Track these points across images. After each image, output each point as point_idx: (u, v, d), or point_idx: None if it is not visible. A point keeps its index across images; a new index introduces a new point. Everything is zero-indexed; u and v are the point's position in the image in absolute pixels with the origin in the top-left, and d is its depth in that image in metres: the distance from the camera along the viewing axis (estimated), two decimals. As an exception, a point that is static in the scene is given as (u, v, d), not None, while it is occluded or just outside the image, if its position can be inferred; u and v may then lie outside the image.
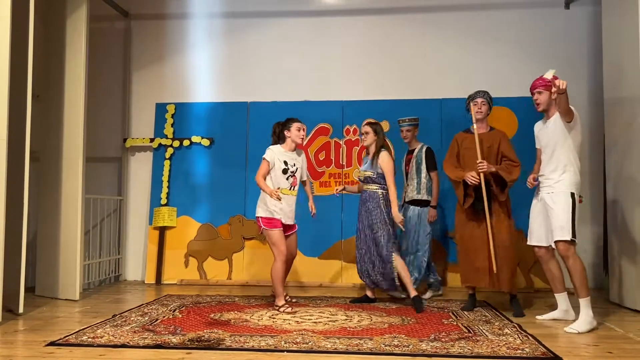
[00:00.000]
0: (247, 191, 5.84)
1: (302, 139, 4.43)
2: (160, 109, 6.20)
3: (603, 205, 5.37)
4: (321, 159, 5.93)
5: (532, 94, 3.99)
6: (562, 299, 4.06)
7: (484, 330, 3.56)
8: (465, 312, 4.24)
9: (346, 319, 3.90)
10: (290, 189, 4.34)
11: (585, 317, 3.66)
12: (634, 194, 4.42)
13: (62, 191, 4.85)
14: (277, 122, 4.55)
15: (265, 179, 4.30)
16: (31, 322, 3.86)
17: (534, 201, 4.03)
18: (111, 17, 6.34)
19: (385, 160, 4.49)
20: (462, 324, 3.78)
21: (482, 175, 4.11)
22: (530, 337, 3.36)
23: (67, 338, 3.33)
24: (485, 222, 4.15)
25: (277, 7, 6.24)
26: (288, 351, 3.05)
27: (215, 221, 5.90)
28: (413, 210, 4.96)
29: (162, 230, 5.93)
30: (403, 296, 4.59)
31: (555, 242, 3.77)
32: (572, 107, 3.75)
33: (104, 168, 6.26)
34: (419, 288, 4.75)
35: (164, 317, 3.98)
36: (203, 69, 6.29)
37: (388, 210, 4.49)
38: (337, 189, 4.81)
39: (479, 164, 4.10)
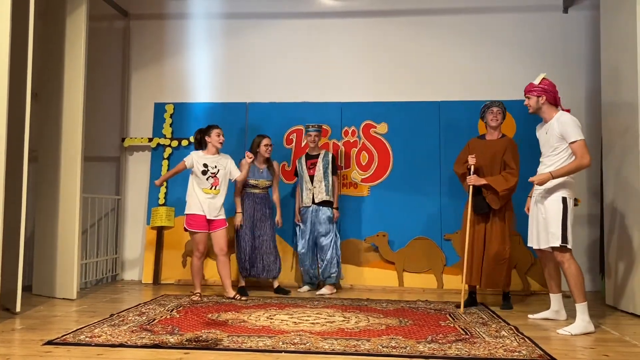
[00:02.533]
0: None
1: (221, 143, 4.91)
2: (159, 108, 6.20)
3: (600, 208, 5.40)
4: (319, 160, 5.93)
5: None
6: (555, 299, 4.13)
7: (481, 332, 3.57)
8: (461, 309, 4.38)
9: (344, 320, 3.90)
10: (211, 188, 4.80)
11: (580, 322, 3.68)
12: (630, 198, 4.45)
13: (60, 190, 4.85)
14: (199, 128, 5.03)
15: (172, 174, 5.06)
16: (28, 321, 3.86)
17: (531, 204, 4.09)
18: (110, 17, 6.34)
19: (278, 169, 5.51)
20: (459, 326, 3.79)
21: (472, 187, 4.49)
22: (527, 340, 3.37)
23: (64, 337, 3.32)
24: (482, 227, 4.51)
25: (277, 9, 6.24)
26: (286, 352, 3.05)
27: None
28: (325, 211, 5.32)
29: (160, 230, 5.93)
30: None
31: (552, 248, 3.82)
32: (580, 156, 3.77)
33: (102, 167, 6.26)
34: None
35: (162, 317, 3.98)
36: (202, 69, 6.29)
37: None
38: None
39: (468, 179, 4.51)
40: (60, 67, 4.90)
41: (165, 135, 6.10)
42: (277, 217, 5.39)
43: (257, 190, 5.28)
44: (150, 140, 6.13)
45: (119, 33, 6.40)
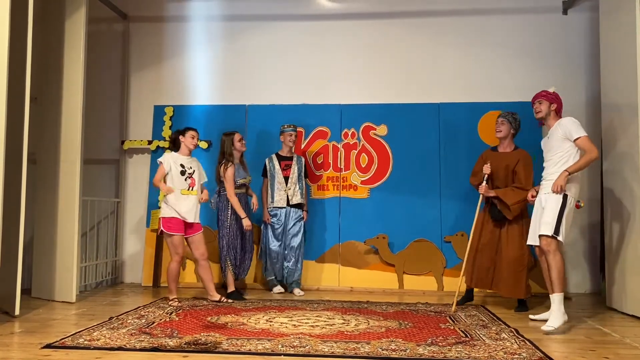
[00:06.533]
0: (258, 193, 5.82)
1: (195, 146, 4.83)
2: (159, 111, 6.19)
3: (600, 209, 5.39)
4: (319, 162, 5.93)
5: (533, 103, 4.23)
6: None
7: (481, 335, 3.56)
8: (453, 308, 4.45)
9: (343, 323, 3.89)
10: (189, 189, 4.69)
11: (557, 313, 3.78)
12: (630, 199, 4.44)
13: (59, 193, 4.84)
14: (176, 130, 4.99)
15: (162, 182, 4.67)
16: (27, 324, 3.85)
17: (535, 204, 4.15)
18: (110, 20, 6.34)
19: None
20: (459, 328, 3.78)
21: (482, 195, 4.60)
22: (527, 342, 3.36)
23: (63, 340, 3.31)
24: (496, 231, 4.62)
25: (276, 11, 6.24)
26: (285, 355, 3.05)
27: (213, 224, 5.88)
28: (298, 212, 5.45)
29: (160, 232, 5.91)
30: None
31: (539, 236, 3.91)
32: (588, 155, 3.88)
33: (102, 170, 6.25)
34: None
35: (161, 320, 3.97)
36: (201, 71, 6.29)
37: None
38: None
39: (479, 188, 4.60)
40: (59, 70, 4.90)
41: (164, 137, 6.09)
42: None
43: (243, 190, 5.24)
44: (149, 142, 6.13)
45: (118, 36, 6.40)
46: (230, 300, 4.83)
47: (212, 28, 6.32)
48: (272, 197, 5.40)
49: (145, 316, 4.09)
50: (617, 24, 4.71)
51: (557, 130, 4.02)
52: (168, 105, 6.18)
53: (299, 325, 3.78)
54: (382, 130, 5.90)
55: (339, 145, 5.94)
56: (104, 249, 5.98)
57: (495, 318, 4.16)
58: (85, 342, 3.28)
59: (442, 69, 6.01)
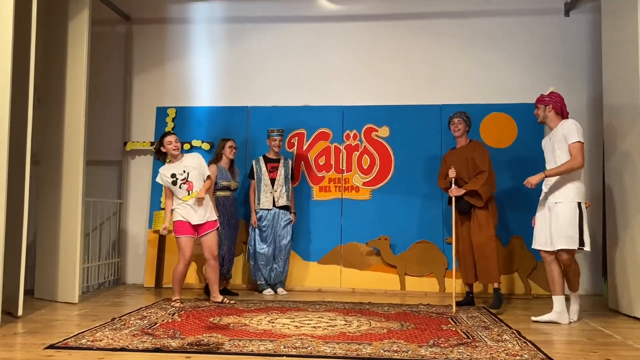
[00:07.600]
0: (245, 195, 5.84)
1: (177, 149, 4.72)
2: (161, 112, 6.21)
3: (602, 211, 5.38)
4: (321, 163, 5.94)
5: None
6: (558, 301, 4.15)
7: (482, 336, 3.56)
8: (461, 308, 4.54)
9: (345, 324, 3.90)
10: (189, 194, 4.66)
11: (577, 307, 4.16)
12: (632, 201, 4.44)
13: (62, 194, 4.85)
14: (155, 142, 5.15)
15: (171, 200, 4.71)
16: (30, 325, 3.86)
17: (539, 208, 4.21)
18: (112, 21, 6.36)
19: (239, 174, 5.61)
20: (461, 329, 3.78)
21: (454, 196, 4.76)
22: (529, 344, 3.36)
23: (66, 341, 3.32)
24: (466, 226, 4.82)
25: (278, 13, 6.26)
26: (287, 356, 3.05)
27: (215, 225, 5.92)
28: (286, 213, 5.51)
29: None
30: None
31: (560, 250, 3.99)
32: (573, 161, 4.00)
33: (105, 171, 6.27)
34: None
35: (163, 320, 3.98)
36: (204, 73, 6.31)
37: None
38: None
39: (450, 192, 4.80)
40: (62, 71, 4.92)
41: (167, 139, 6.10)
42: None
43: (228, 193, 5.36)
44: (152, 144, 6.14)
45: (121, 37, 6.42)
46: (232, 302, 4.84)
47: (214, 30, 6.34)
48: (259, 199, 5.44)
49: (148, 317, 4.10)
50: (619, 25, 4.71)
51: (558, 131, 4.08)
52: (170, 107, 6.20)
53: (301, 327, 3.79)
54: (384, 131, 5.91)
55: (341, 147, 5.94)
56: (106, 250, 6.00)
57: (496, 319, 4.16)
58: (88, 342, 3.29)
59: (444, 71, 6.02)
